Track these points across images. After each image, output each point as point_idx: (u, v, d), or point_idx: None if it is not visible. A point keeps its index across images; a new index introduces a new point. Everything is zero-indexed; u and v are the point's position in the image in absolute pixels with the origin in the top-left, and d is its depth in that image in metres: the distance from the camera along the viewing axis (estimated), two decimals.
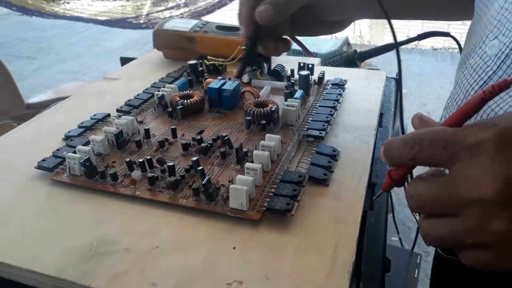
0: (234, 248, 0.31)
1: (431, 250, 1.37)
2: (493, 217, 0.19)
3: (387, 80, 0.60)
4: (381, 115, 0.52)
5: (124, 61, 0.74)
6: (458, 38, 0.62)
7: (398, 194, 1.47)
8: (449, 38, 0.65)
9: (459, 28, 1.79)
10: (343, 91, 0.53)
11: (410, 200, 0.23)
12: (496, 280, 0.37)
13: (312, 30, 0.49)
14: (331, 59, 0.80)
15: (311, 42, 1.05)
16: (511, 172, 0.19)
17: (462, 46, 0.43)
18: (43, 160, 0.41)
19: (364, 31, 3.41)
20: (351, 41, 1.28)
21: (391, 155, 0.24)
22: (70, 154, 0.39)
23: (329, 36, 0.67)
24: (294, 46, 0.52)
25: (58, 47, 3.65)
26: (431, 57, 3.18)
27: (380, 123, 0.51)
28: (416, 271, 0.98)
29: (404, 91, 0.66)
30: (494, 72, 0.31)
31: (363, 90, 0.56)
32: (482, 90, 0.20)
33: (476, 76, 0.33)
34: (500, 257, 0.20)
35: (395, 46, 0.49)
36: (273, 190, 0.36)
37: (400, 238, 1.17)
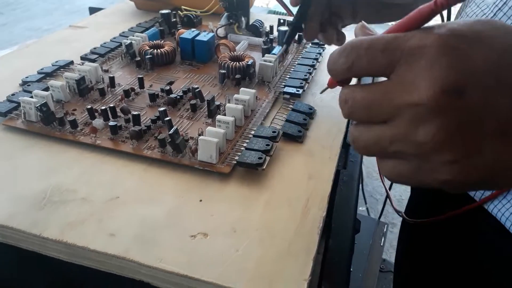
0: (200, 200, 0.30)
1: (397, 222, 1.42)
2: (421, 125, 0.17)
3: None
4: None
5: (93, 11, 0.69)
6: None
7: (368, 167, 1.49)
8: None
9: None
10: (323, 50, 0.51)
11: (344, 106, 0.20)
12: (459, 244, 0.38)
13: (377, 15, 0.42)
14: None
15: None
16: (451, 78, 0.17)
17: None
18: None
19: None
20: None
21: (329, 66, 0.21)
22: (26, 98, 0.36)
23: None
24: (278, 7, 0.49)
25: (26, 2, 3.43)
26: None
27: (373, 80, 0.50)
28: (382, 239, 1.00)
29: None
30: None
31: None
32: (434, 1, 0.17)
33: None
34: (418, 170, 0.19)
35: None
36: (245, 145, 0.34)
37: (367, 208, 1.20)
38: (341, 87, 0.21)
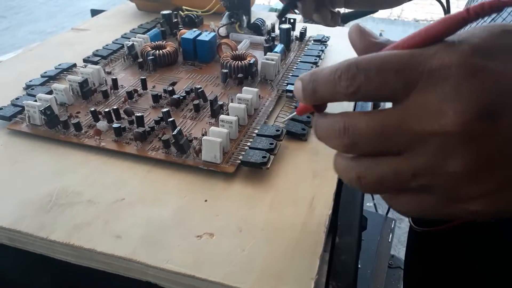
0: (206, 201, 0.30)
1: (405, 218, 1.41)
2: (451, 155, 0.15)
3: None
4: None
5: (95, 13, 0.69)
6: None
7: None
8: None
9: None
10: (325, 47, 0.51)
11: (342, 137, 0.17)
12: (469, 249, 0.37)
13: (369, 1, 0.41)
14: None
15: None
16: (482, 102, 0.15)
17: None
18: (0, 109, 0.37)
19: None
20: None
21: (316, 89, 0.18)
22: (30, 102, 0.36)
23: None
24: (279, 5, 0.49)
25: (30, 5, 3.44)
26: (413, 28, 3.17)
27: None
28: (390, 235, 1.00)
29: None
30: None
31: (345, 47, 0.54)
32: (466, 8, 0.15)
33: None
34: (446, 203, 0.17)
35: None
36: (249, 144, 0.34)
37: (375, 204, 1.19)
38: (318, 113, 0.18)
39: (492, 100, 0.15)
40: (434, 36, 0.16)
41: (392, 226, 1.02)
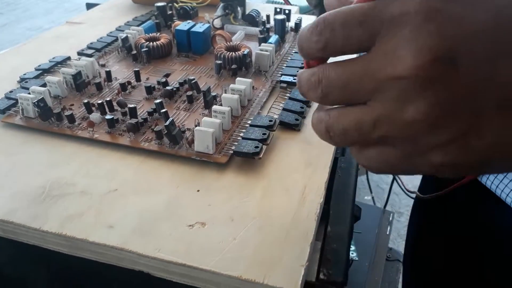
0: (198, 191, 0.30)
1: (404, 211, 1.41)
2: (409, 102, 0.15)
3: None
4: None
5: (90, 6, 0.69)
6: None
7: None
8: None
9: None
10: None
11: (316, 88, 0.17)
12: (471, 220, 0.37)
13: None
14: (310, 11, 0.77)
15: None
16: (440, 45, 0.14)
17: None
18: None
19: None
20: None
21: (300, 46, 0.18)
22: (23, 94, 0.36)
23: None
24: None
25: (26, 2, 3.43)
26: None
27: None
28: (388, 228, 1.00)
29: None
30: None
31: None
32: None
33: None
34: (408, 156, 0.16)
35: None
36: (241, 134, 0.34)
37: (373, 197, 1.20)
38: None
39: (451, 44, 0.14)
40: None
41: (390, 219, 1.02)
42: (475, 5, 0.15)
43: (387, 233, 1.02)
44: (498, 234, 0.34)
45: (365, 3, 0.16)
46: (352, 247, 0.88)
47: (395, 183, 0.91)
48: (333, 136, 0.18)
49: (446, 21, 0.15)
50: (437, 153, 0.16)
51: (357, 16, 0.16)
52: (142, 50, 0.44)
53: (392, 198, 1.20)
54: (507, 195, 0.30)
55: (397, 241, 1.30)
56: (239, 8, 0.53)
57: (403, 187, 0.45)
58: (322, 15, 0.17)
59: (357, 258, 0.88)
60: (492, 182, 0.31)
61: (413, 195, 0.47)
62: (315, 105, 0.40)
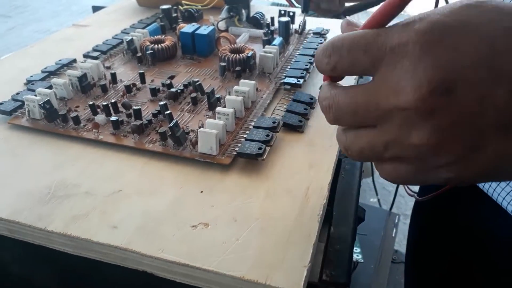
0: (201, 192, 0.30)
1: (409, 213, 1.41)
2: (413, 128, 0.16)
3: None
4: None
5: (96, 9, 0.70)
6: None
7: None
8: None
9: None
10: (325, 40, 0.51)
11: (328, 112, 0.19)
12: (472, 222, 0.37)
13: None
14: (314, 14, 0.77)
15: None
16: (437, 77, 0.15)
17: None
18: (1, 104, 0.38)
19: None
20: None
21: (316, 65, 0.20)
22: (29, 96, 0.36)
23: None
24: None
25: (34, 5, 3.46)
26: None
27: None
28: (394, 230, 0.99)
29: None
30: None
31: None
32: None
33: None
34: (419, 171, 0.18)
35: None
36: (245, 136, 0.34)
37: (378, 200, 1.19)
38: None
39: (446, 75, 0.16)
40: (391, 8, 0.17)
41: (396, 221, 1.02)
42: (470, 35, 0.16)
43: (393, 235, 1.02)
44: (490, 238, 0.34)
45: (369, 31, 0.18)
46: (358, 249, 0.88)
47: (400, 186, 0.91)
48: (351, 154, 0.20)
49: (442, 52, 0.16)
50: (445, 170, 0.17)
51: (362, 45, 0.17)
52: (147, 52, 0.45)
53: (398, 200, 1.20)
54: (503, 198, 0.30)
55: (403, 243, 1.29)
56: (243, 11, 0.53)
57: (406, 188, 0.45)
58: (331, 39, 0.19)
59: (362, 260, 0.88)
60: (490, 186, 0.31)
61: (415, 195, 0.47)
62: (318, 107, 0.40)
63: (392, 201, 1.09)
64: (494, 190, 0.31)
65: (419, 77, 0.16)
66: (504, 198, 0.30)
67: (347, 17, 0.22)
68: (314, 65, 0.21)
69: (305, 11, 0.39)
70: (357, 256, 0.86)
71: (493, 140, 0.16)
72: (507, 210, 0.30)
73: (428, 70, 0.16)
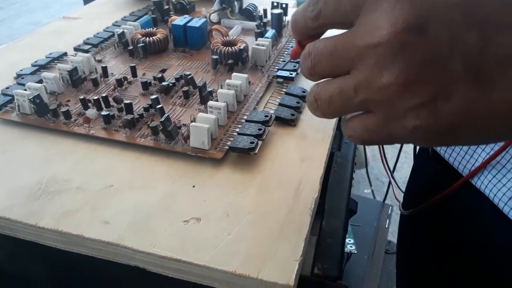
0: (193, 186, 0.30)
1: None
2: (384, 66, 0.16)
3: None
4: None
5: (87, 1, 0.69)
6: None
7: (373, 150, 1.49)
8: None
9: None
10: None
11: (306, 60, 0.19)
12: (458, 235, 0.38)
13: None
14: None
15: None
16: (412, 14, 0.16)
17: None
18: None
19: None
20: None
21: (296, 17, 0.20)
22: (19, 91, 0.36)
23: None
24: None
25: None
26: None
27: None
28: (387, 221, 1.00)
29: None
30: None
31: (338, 32, 0.53)
32: None
33: None
34: (386, 121, 0.18)
35: None
36: (237, 130, 0.34)
37: (372, 191, 1.20)
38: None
39: (421, 14, 0.16)
40: None
41: (389, 212, 1.03)
42: None
43: (386, 226, 1.02)
44: (480, 232, 0.35)
45: None
46: (351, 240, 0.88)
47: (394, 175, 0.91)
48: (320, 104, 0.20)
49: None
50: (409, 116, 0.17)
51: None
52: (139, 45, 0.44)
53: (392, 191, 1.20)
54: (500, 199, 0.30)
55: (396, 234, 1.30)
56: (236, 3, 0.53)
57: (395, 194, 0.46)
58: None
59: (356, 251, 0.88)
60: (486, 187, 0.32)
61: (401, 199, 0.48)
62: None
63: (386, 192, 1.10)
64: (486, 186, 0.31)
65: (395, 15, 0.16)
66: (500, 199, 0.30)
67: None
68: (290, 29, 0.21)
69: None
70: (351, 247, 0.86)
71: (461, 87, 0.16)
72: (498, 206, 0.31)
73: (404, 10, 0.16)
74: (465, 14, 0.16)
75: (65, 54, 0.46)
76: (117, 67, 0.44)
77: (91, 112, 0.35)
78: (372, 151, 1.51)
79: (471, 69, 0.16)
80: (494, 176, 0.31)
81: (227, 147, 0.32)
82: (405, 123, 0.17)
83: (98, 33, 0.50)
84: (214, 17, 0.52)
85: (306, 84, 0.42)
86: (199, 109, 0.37)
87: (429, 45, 0.16)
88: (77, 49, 0.47)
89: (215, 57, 0.43)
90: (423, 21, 0.16)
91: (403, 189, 0.48)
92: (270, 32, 0.47)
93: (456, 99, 0.16)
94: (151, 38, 0.45)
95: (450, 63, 0.16)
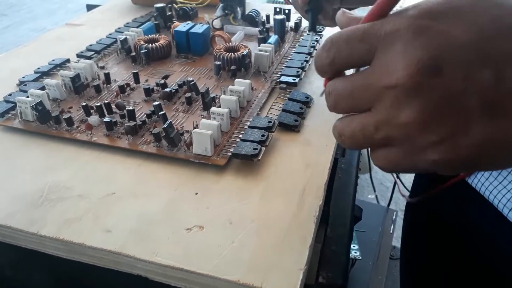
0: (196, 193, 0.30)
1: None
2: (402, 107, 0.17)
3: None
4: None
5: (90, 8, 0.69)
6: None
7: None
8: None
9: None
10: (320, 38, 0.50)
11: (328, 99, 0.20)
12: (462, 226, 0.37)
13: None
14: None
15: None
16: (425, 56, 0.16)
17: None
18: None
19: None
20: None
21: (315, 64, 0.21)
22: (21, 97, 0.36)
23: None
24: None
25: (30, 3, 3.44)
26: None
27: (357, 71, 0.49)
28: (392, 226, 0.99)
29: None
30: None
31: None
32: None
33: None
34: (408, 154, 0.18)
35: None
36: (240, 136, 0.34)
37: (376, 196, 1.19)
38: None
39: (435, 55, 0.16)
40: (385, 8, 0.18)
41: (394, 217, 1.02)
42: (460, 21, 0.17)
43: (391, 231, 1.01)
44: (480, 235, 0.34)
45: (366, 23, 0.19)
46: (356, 246, 0.87)
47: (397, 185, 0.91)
48: (344, 139, 0.20)
49: (433, 35, 0.17)
50: (429, 151, 0.18)
51: (358, 35, 0.19)
52: (141, 51, 0.44)
53: (396, 196, 1.19)
54: (495, 196, 0.30)
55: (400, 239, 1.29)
56: (238, 8, 0.52)
57: (399, 189, 0.45)
58: (330, 35, 0.20)
59: (360, 257, 0.87)
60: (483, 184, 0.31)
61: (407, 194, 0.47)
62: (314, 106, 0.39)
63: (390, 197, 1.09)
64: (487, 188, 0.31)
65: (409, 56, 0.17)
66: (495, 196, 0.30)
67: (342, 8, 0.22)
68: (313, 65, 0.22)
69: (313, 30, 0.38)
70: (355, 253, 0.86)
71: (478, 123, 0.16)
72: (498, 208, 0.30)
73: (418, 50, 0.16)
74: (478, 51, 0.16)
75: (68, 60, 0.46)
76: (120, 73, 0.43)
77: (94, 119, 0.35)
78: None
79: (487, 104, 0.16)
80: (491, 174, 0.31)
81: (230, 154, 0.32)
82: (426, 157, 0.18)
83: (100, 40, 0.50)
84: (216, 23, 0.52)
85: (309, 90, 0.42)
86: (201, 115, 0.37)
87: (444, 85, 0.16)
88: (79, 55, 0.47)
89: (218, 63, 0.42)
90: (437, 61, 0.16)
91: (407, 189, 0.48)
92: (273, 38, 0.47)
93: (474, 133, 0.17)
94: (153, 44, 0.45)
95: (466, 100, 0.16)
